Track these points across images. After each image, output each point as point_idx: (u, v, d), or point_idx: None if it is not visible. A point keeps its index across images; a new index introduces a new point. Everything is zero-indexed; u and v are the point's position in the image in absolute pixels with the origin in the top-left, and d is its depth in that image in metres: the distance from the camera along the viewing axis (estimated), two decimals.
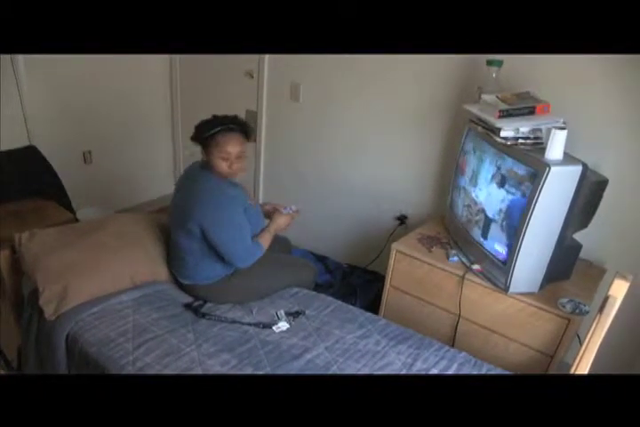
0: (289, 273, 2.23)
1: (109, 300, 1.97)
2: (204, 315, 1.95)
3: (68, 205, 2.92)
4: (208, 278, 2.03)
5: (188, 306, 2.00)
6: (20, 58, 2.74)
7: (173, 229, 2.05)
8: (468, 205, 2.10)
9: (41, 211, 2.73)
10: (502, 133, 1.80)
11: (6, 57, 2.69)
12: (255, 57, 2.95)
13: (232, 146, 1.87)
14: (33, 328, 1.99)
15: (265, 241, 2.04)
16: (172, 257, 2.13)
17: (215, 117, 1.92)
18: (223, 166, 1.89)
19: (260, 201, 3.33)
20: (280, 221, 2.14)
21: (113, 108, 3.31)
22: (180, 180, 2.07)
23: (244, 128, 1.91)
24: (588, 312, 1.79)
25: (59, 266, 1.97)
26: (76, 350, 1.81)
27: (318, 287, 2.46)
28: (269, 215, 2.23)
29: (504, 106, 1.83)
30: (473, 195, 2.06)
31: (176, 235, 2.02)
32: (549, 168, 1.62)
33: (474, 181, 2.05)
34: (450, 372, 1.75)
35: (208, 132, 1.86)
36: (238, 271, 2.05)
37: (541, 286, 1.86)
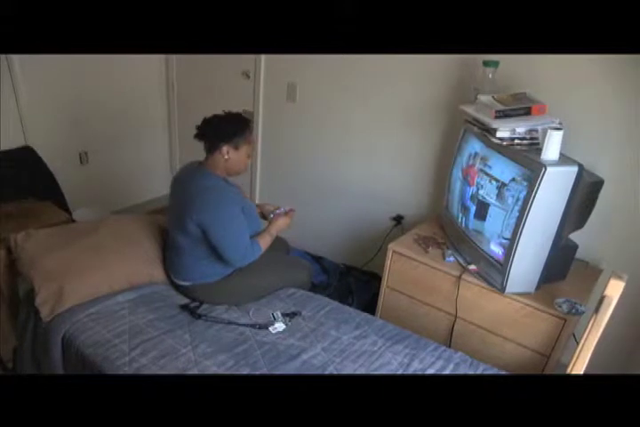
0: (286, 272, 2.24)
1: (105, 301, 1.96)
2: (200, 316, 1.94)
3: (64, 206, 2.91)
4: (205, 278, 2.03)
5: (184, 307, 2.00)
6: (16, 58, 2.73)
7: (172, 228, 2.04)
8: None
9: (37, 211, 2.72)
10: (498, 134, 1.80)
11: (1, 57, 2.68)
12: (252, 57, 2.95)
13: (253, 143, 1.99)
14: (29, 329, 1.98)
15: (264, 243, 2.04)
16: (169, 258, 2.12)
17: (233, 116, 1.96)
18: (246, 163, 2.00)
19: (257, 201, 3.33)
20: (280, 222, 2.15)
21: (109, 109, 3.30)
22: (176, 179, 2.06)
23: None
24: (584, 312, 1.80)
25: (55, 266, 1.97)
26: (72, 350, 1.80)
27: (315, 288, 2.46)
28: (265, 216, 2.24)
29: (500, 106, 1.83)
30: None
31: (175, 234, 2.02)
32: (545, 168, 1.62)
33: None
34: (446, 372, 1.76)
35: (243, 132, 1.92)
36: (236, 271, 2.05)
37: (538, 287, 1.87)
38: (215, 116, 1.94)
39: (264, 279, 2.12)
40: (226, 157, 1.92)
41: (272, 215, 2.23)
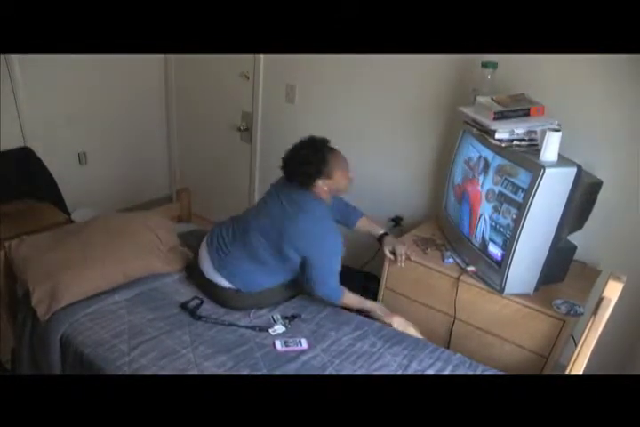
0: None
1: (103, 300, 1.96)
2: (200, 317, 1.94)
3: (63, 207, 2.91)
4: (254, 287, 2.01)
5: (184, 307, 1.99)
6: (15, 58, 2.73)
7: (258, 240, 1.95)
8: None
9: (36, 212, 2.72)
10: (497, 135, 1.81)
11: (1, 57, 2.68)
12: (251, 58, 2.95)
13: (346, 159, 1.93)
14: (27, 330, 1.98)
15: (350, 300, 2.04)
16: (221, 254, 2.01)
17: (308, 146, 1.90)
18: (347, 183, 1.97)
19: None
20: (390, 316, 2.03)
21: (108, 109, 3.30)
22: (273, 195, 2.00)
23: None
24: (582, 313, 1.80)
25: (47, 266, 1.98)
26: (71, 351, 1.80)
27: None
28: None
29: (499, 108, 1.84)
30: None
31: (252, 242, 1.95)
32: (544, 170, 1.63)
33: None
34: (445, 373, 1.76)
35: (326, 161, 1.85)
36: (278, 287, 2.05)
37: (536, 288, 1.87)
38: (292, 152, 1.90)
39: (287, 292, 2.12)
40: (325, 188, 1.91)
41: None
